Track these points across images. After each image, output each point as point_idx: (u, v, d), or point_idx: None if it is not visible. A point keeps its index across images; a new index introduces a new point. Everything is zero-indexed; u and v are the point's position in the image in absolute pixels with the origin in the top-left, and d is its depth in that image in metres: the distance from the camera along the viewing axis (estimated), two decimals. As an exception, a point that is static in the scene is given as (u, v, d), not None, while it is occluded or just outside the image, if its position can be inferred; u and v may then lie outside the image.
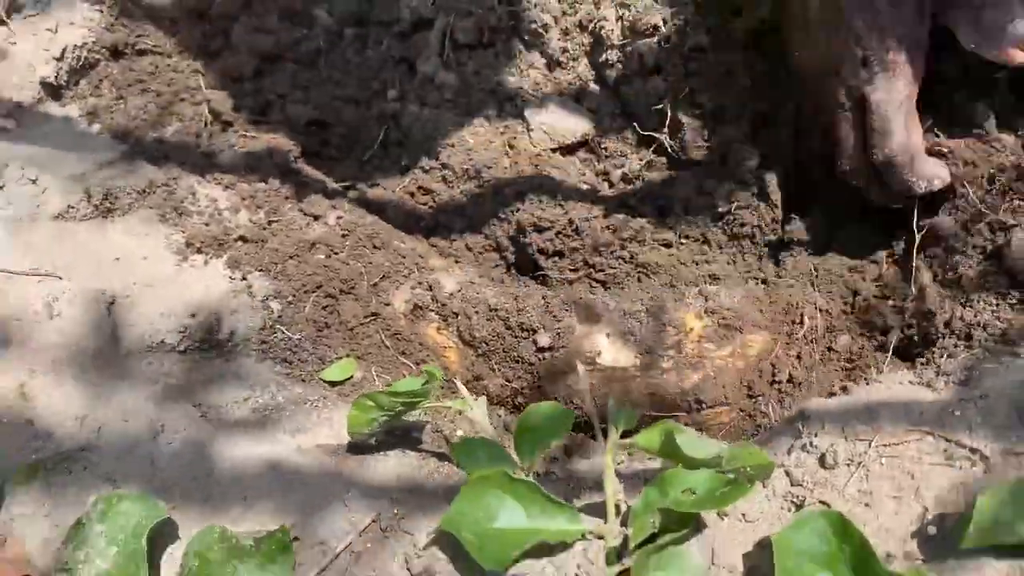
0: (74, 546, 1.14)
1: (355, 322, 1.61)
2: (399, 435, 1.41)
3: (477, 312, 1.60)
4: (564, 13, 1.87)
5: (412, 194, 1.90)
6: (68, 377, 1.35)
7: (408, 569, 1.11)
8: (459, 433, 1.46)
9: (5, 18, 1.84)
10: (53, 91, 1.87)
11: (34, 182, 1.61)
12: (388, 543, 1.14)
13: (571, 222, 1.74)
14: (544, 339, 1.51)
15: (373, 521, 1.17)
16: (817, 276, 1.55)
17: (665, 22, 1.74)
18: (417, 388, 1.26)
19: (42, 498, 1.21)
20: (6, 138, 1.70)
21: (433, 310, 1.64)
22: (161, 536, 1.16)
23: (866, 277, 1.51)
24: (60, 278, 1.47)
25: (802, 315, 1.49)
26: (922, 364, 1.30)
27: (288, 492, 1.22)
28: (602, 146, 1.85)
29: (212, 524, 1.13)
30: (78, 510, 1.18)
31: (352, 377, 1.58)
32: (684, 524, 1.02)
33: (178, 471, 1.24)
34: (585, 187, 1.81)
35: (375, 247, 1.70)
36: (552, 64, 1.88)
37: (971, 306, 1.31)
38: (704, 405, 1.46)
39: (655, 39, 1.74)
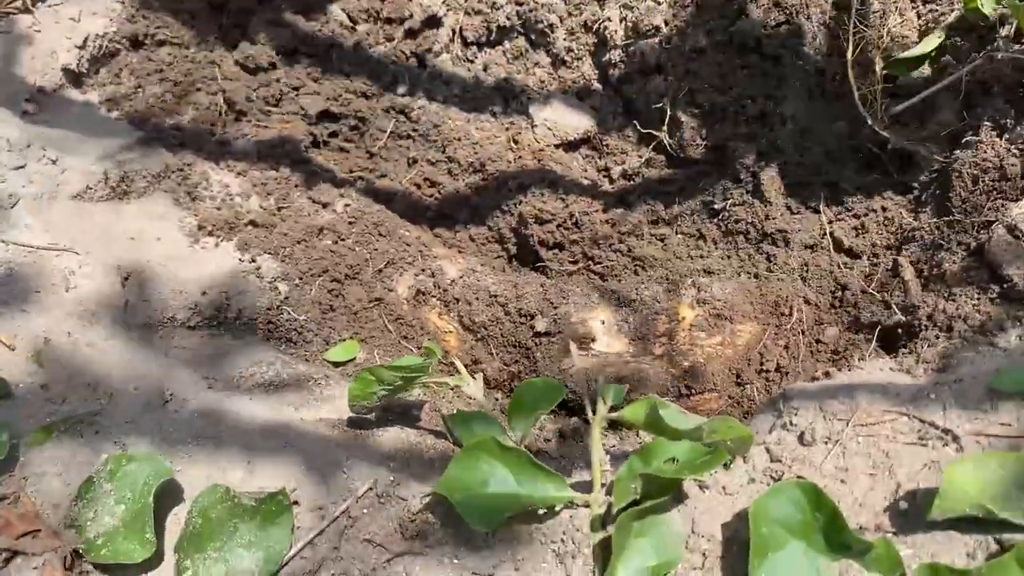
0: (83, 504, 1.20)
1: (359, 306, 1.67)
2: (398, 412, 1.45)
3: (478, 298, 1.65)
4: (570, 14, 1.92)
5: (418, 185, 1.96)
6: (82, 346, 1.41)
7: (402, 532, 1.15)
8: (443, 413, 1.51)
9: (30, 6, 1.91)
10: (74, 78, 1.93)
11: (54, 163, 1.67)
12: (384, 508, 1.19)
13: (571, 215, 1.80)
14: (542, 324, 1.56)
15: (370, 488, 1.21)
16: (807, 271, 1.59)
17: (667, 23, 1.80)
18: (417, 364, 1.31)
19: (54, 459, 1.26)
20: (28, 121, 1.76)
21: (435, 296, 1.70)
22: (167, 497, 1.20)
23: (854, 272, 1.56)
24: (77, 253, 1.53)
25: (791, 308, 1.54)
26: (904, 353, 1.34)
27: (290, 459, 1.27)
28: (604, 143, 1.90)
29: (216, 485, 1.17)
30: (88, 470, 1.23)
31: (355, 359, 1.63)
32: (666, 491, 1.06)
33: (185, 436, 1.29)
34: (586, 182, 1.86)
35: (381, 235, 1.75)
36: (557, 63, 1.94)
37: (953, 299, 1.36)
38: (694, 391, 1.51)
39: (657, 39, 1.80)
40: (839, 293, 1.55)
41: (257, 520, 1.16)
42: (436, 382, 1.40)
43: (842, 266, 1.59)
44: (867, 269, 1.57)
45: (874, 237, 1.58)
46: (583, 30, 1.91)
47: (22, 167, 1.64)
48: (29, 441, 1.28)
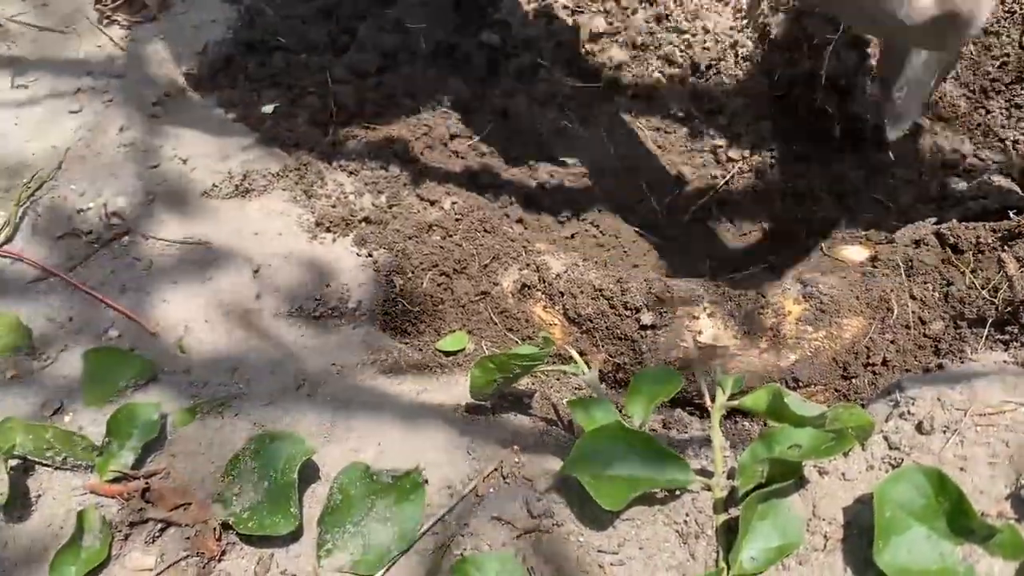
0: (230, 480, 1.28)
1: (467, 299, 1.73)
2: (511, 400, 1.52)
3: (582, 292, 1.70)
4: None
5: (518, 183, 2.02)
6: (221, 334, 1.51)
7: (529, 511, 1.21)
8: (564, 401, 1.57)
9: (157, 14, 2.02)
10: (195, 82, 2.04)
11: (184, 162, 1.78)
12: (510, 488, 1.25)
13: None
14: (647, 317, 1.61)
15: (495, 469, 1.28)
16: (912, 267, 1.61)
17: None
18: (534, 352, 1.37)
19: (199, 438, 1.36)
20: (156, 123, 1.87)
21: (540, 290, 1.75)
22: (305, 475, 1.28)
23: (960, 267, 1.57)
24: (210, 247, 1.63)
25: (896, 302, 1.56)
26: (1016, 347, 1.35)
27: (417, 440, 1.34)
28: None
29: (356, 463, 1.25)
30: (230, 449, 1.33)
31: (464, 349, 1.70)
32: (790, 475, 1.10)
33: (319, 419, 1.37)
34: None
35: (486, 231, 1.82)
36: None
37: (1068, 295, 1.36)
38: (800, 384, 1.54)
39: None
40: (945, 288, 1.56)
41: (392, 497, 1.24)
42: (553, 370, 1.45)
43: (947, 261, 1.60)
44: (972, 264, 1.58)
45: (979, 232, 1.59)
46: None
47: (156, 167, 1.75)
48: (176, 421, 1.38)
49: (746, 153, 1.99)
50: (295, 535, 1.23)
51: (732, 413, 1.55)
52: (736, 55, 2.00)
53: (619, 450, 1.17)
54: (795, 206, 1.91)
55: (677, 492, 1.20)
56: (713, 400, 1.26)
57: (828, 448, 1.08)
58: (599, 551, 1.16)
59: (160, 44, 2.03)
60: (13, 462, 1.29)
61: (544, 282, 1.75)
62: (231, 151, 1.86)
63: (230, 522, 1.24)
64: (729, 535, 1.13)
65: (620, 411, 1.35)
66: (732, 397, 1.26)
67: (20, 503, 1.27)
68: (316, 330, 1.56)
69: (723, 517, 1.14)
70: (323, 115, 2.03)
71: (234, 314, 1.54)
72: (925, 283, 1.58)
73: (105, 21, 2.02)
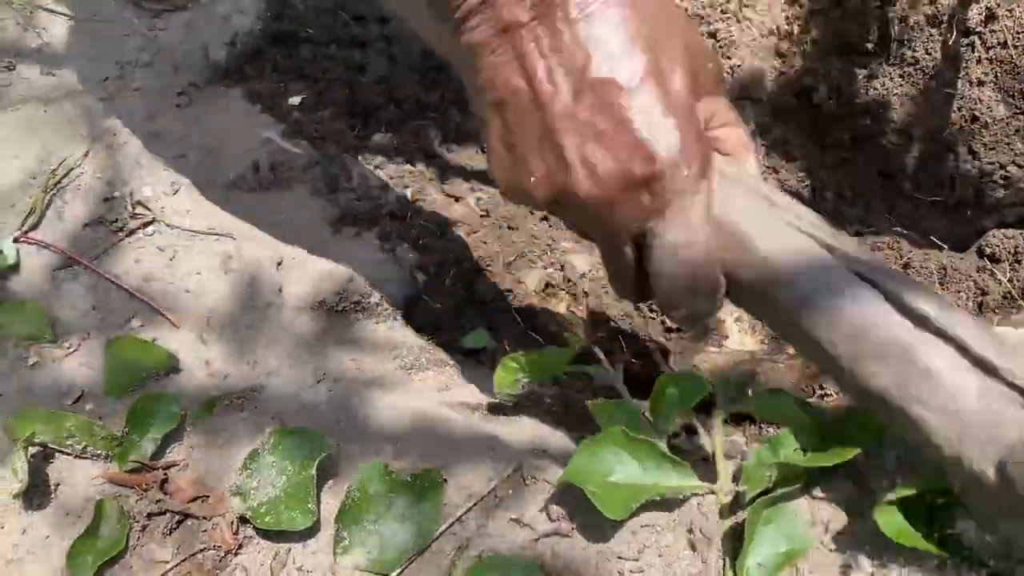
0: (248, 474, 1.28)
1: (490, 297, 1.72)
2: (534, 401, 1.50)
3: (607, 292, 1.68)
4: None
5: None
6: (242, 326, 1.50)
7: (548, 514, 1.20)
8: (588, 403, 1.54)
9: (187, 4, 2.02)
10: (222, 73, 2.03)
11: (210, 153, 1.78)
12: (530, 490, 1.24)
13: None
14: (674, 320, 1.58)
15: (515, 470, 1.26)
16: (946, 275, 1.57)
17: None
18: (559, 353, 1.35)
19: (218, 430, 1.35)
20: (184, 113, 1.87)
21: (564, 289, 1.74)
22: (323, 471, 1.27)
23: (996, 276, 1.54)
24: (234, 238, 1.62)
25: (929, 311, 1.52)
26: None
27: (436, 439, 1.33)
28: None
29: (375, 461, 1.24)
30: (248, 442, 1.32)
31: (486, 348, 1.68)
32: (798, 480, 1.08)
33: (337, 415, 1.37)
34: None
35: (510, 228, 1.81)
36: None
37: (1106, 307, 1.33)
38: (826, 391, 1.51)
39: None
40: (979, 298, 1.53)
41: (411, 495, 1.22)
42: (576, 371, 1.44)
43: (981, 270, 1.56)
44: (1008, 274, 1.54)
45: (1018, 241, 1.55)
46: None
47: (183, 156, 1.75)
48: (195, 413, 1.37)
49: (773, 152, 1.96)
50: (312, 531, 1.22)
51: (738, 416, 1.53)
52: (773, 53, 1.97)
53: (620, 457, 1.15)
54: (821, 209, 1.88)
55: (684, 497, 1.18)
56: (721, 403, 1.24)
57: (836, 453, 1.06)
58: (619, 557, 1.15)
59: (189, 34, 2.02)
60: (33, 450, 1.29)
61: (568, 281, 1.73)
62: (257, 143, 1.86)
63: (247, 516, 1.24)
64: (735, 542, 1.11)
65: (643, 415, 1.33)
66: (737, 400, 1.24)
67: (39, 491, 1.27)
68: (337, 325, 1.55)
69: (729, 522, 1.13)
70: (349, 109, 2.02)
71: (256, 307, 1.53)
72: (959, 292, 1.55)
73: (134, 9, 2.02)
